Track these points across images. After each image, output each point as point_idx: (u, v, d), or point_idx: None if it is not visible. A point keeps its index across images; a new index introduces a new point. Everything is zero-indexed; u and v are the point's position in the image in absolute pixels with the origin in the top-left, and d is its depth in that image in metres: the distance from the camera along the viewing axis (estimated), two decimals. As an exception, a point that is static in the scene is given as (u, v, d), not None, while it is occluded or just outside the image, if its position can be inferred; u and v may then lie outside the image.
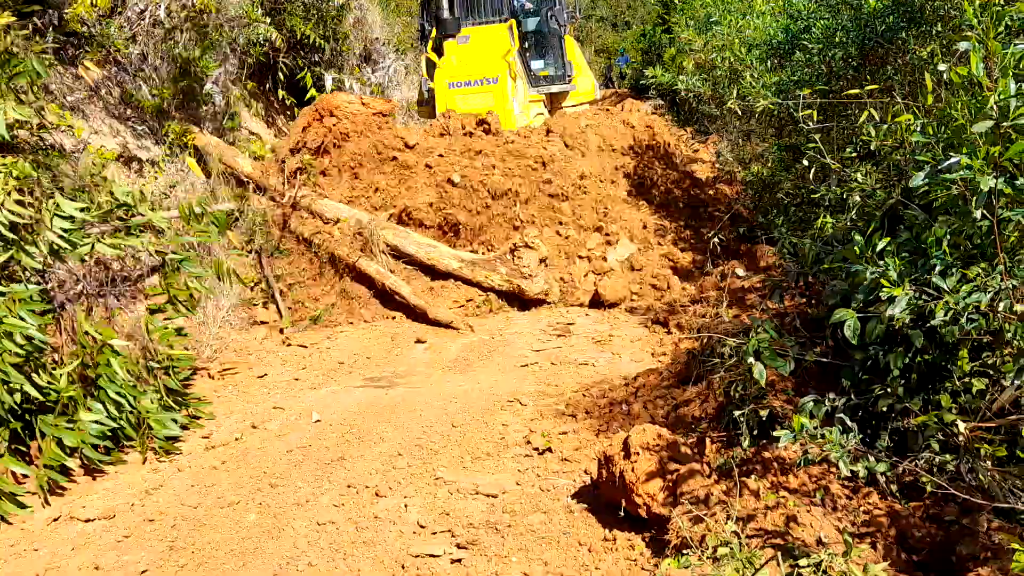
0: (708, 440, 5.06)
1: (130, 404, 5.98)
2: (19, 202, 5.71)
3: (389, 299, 9.66)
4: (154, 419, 6.07)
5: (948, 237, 3.44)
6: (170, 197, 9.32)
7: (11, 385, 5.32)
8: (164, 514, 5.30)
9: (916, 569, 3.74)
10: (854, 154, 5.71)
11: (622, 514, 4.57)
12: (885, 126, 4.82)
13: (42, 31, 9.28)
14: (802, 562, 3.50)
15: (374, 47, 16.68)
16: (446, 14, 12.89)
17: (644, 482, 4.48)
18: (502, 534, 4.79)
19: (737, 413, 4.84)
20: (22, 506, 5.35)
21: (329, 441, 6.26)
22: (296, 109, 13.84)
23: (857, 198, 5.52)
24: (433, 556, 4.60)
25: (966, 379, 4.01)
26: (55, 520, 5.30)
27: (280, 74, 13.19)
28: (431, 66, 13.28)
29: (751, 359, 4.42)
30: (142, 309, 7.04)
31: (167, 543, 4.95)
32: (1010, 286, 3.12)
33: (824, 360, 4.77)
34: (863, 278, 3.61)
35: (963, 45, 3.15)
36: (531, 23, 14.23)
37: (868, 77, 7.23)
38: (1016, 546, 2.83)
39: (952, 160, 3.03)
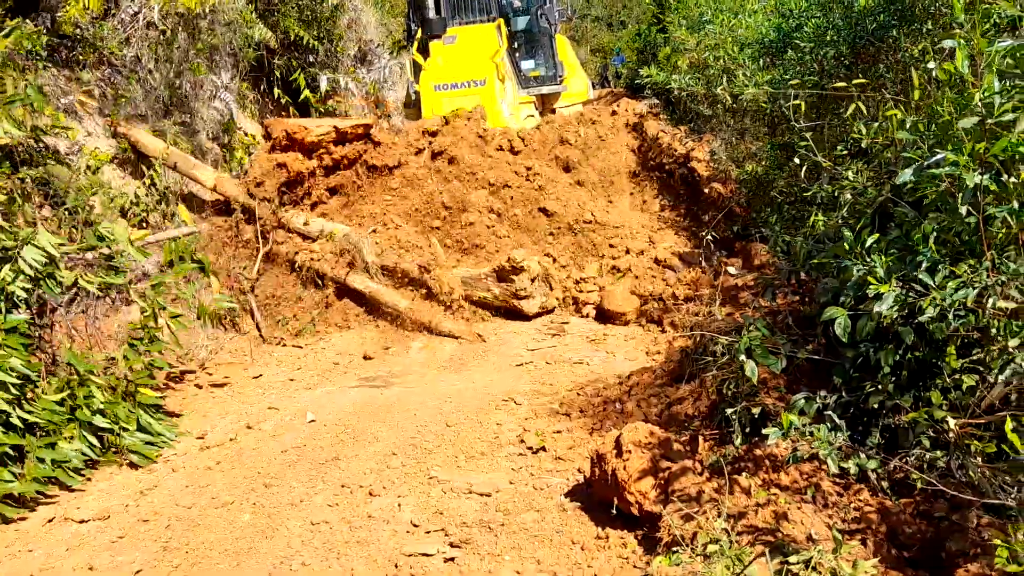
0: (701, 438, 5.07)
1: (107, 424, 6.00)
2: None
3: (379, 312, 9.57)
4: (128, 442, 6.08)
5: (935, 234, 3.45)
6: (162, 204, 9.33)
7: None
8: (158, 514, 5.30)
9: (906, 565, 3.75)
10: (845, 152, 5.71)
11: (615, 512, 4.59)
12: (876, 124, 4.83)
13: (35, 33, 9.26)
14: (792, 559, 3.51)
15: (369, 47, 16.63)
16: (432, 14, 12.68)
17: (636, 480, 4.50)
18: (495, 533, 4.80)
19: (729, 411, 4.85)
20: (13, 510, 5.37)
21: (324, 441, 6.27)
22: (292, 109, 13.85)
23: (848, 196, 5.53)
24: (426, 555, 4.61)
25: (956, 376, 4.03)
26: (50, 521, 5.30)
27: (275, 75, 13.15)
28: (417, 68, 13.10)
29: (743, 357, 4.44)
30: (133, 312, 7.02)
31: (161, 543, 4.95)
32: (996, 282, 3.13)
33: (816, 358, 4.79)
34: (851, 275, 3.62)
35: (948, 43, 3.17)
36: (521, 22, 13.91)
37: (860, 75, 7.24)
38: (999, 542, 2.84)
39: (938, 156, 3.04)
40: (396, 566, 4.52)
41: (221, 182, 10.25)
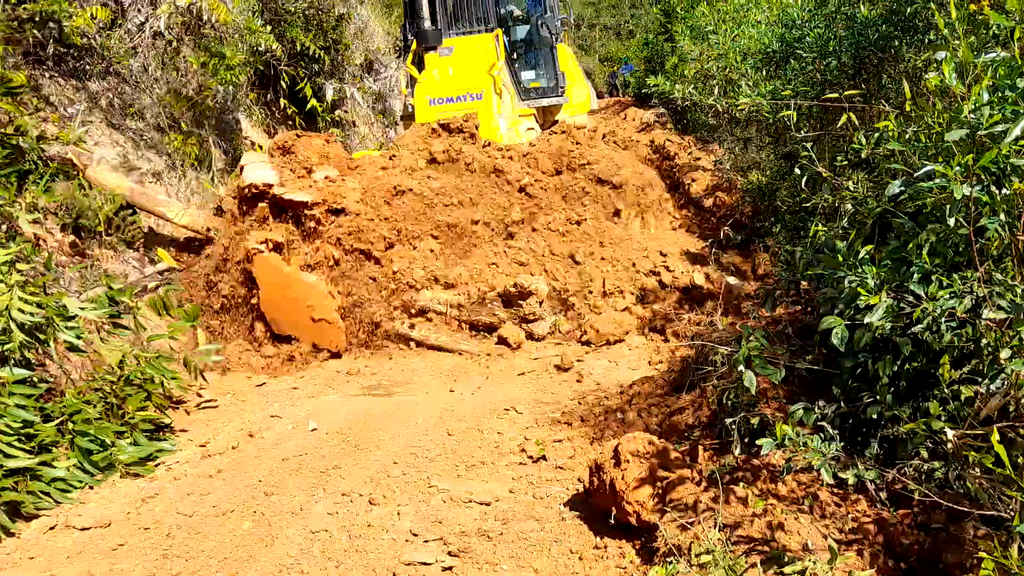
0: (701, 448, 5.08)
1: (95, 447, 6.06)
2: (26, 300, 5.81)
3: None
4: (123, 457, 6.13)
5: (929, 245, 3.46)
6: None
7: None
8: (159, 522, 5.31)
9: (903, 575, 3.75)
10: (845, 162, 5.72)
11: (613, 522, 4.59)
12: (876, 134, 4.84)
13: (43, 43, 9.34)
14: (787, 569, 3.51)
15: (375, 56, 16.75)
16: (427, 24, 12.22)
17: (634, 489, 4.50)
18: (494, 542, 4.81)
19: (729, 421, 4.85)
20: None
21: (325, 450, 6.28)
22: (298, 119, 13.92)
23: (849, 206, 5.54)
24: (424, 564, 4.62)
25: (955, 386, 4.02)
26: (51, 528, 5.31)
27: (281, 84, 13.22)
28: (413, 81, 12.64)
29: (742, 367, 4.43)
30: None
31: (161, 551, 4.97)
32: (987, 294, 3.13)
33: (816, 368, 4.78)
34: (844, 286, 3.63)
35: (939, 54, 3.18)
36: (520, 32, 13.30)
37: (863, 86, 7.26)
38: (984, 555, 2.84)
39: (927, 168, 3.05)
40: (394, 575, 4.53)
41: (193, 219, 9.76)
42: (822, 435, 3.88)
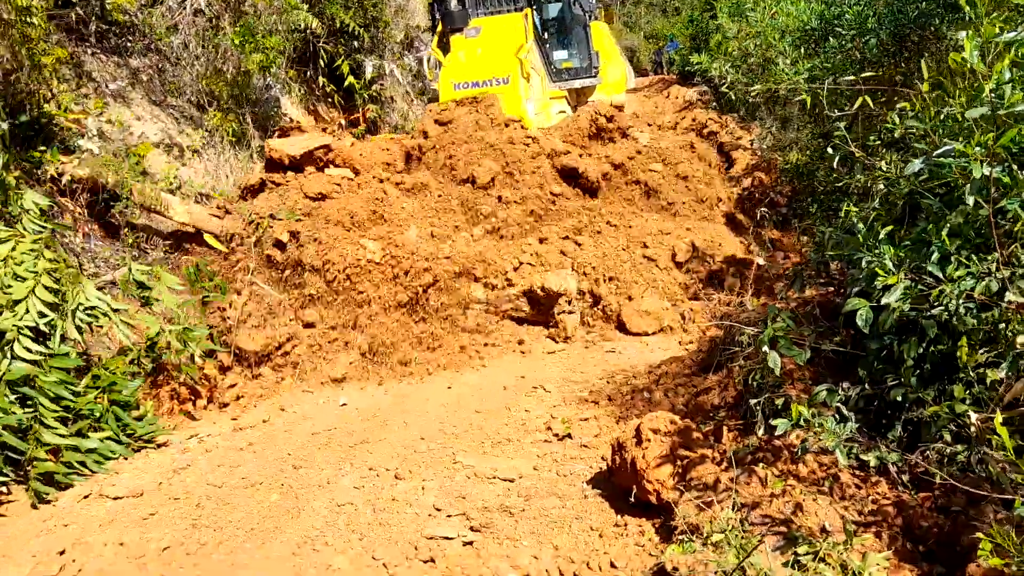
0: (725, 428, 5.06)
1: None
2: (49, 288, 5.94)
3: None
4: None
5: (949, 226, 3.41)
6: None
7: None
8: (190, 493, 5.42)
9: (921, 559, 3.72)
10: (878, 142, 5.65)
11: (633, 500, 4.60)
12: (911, 113, 4.77)
13: (85, 21, 9.46)
14: (800, 549, 3.50)
15: (416, 33, 16.72)
16: (454, 4, 11.56)
17: (655, 468, 4.51)
18: (516, 518, 4.84)
19: (753, 401, 4.83)
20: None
21: (354, 425, 6.36)
22: (336, 96, 13.97)
23: (881, 186, 5.47)
24: (446, 538, 4.67)
25: (980, 370, 3.98)
26: (85, 497, 5.44)
27: (320, 61, 13.26)
28: (438, 64, 11.96)
29: (766, 348, 4.41)
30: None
31: (190, 521, 5.07)
32: (1007, 275, 3.09)
33: (842, 350, 4.75)
34: (863, 267, 3.60)
35: (961, 33, 3.13)
36: (552, 10, 12.79)
37: (903, 64, 7.15)
38: (981, 536, 2.82)
39: (947, 148, 3.01)
40: (416, 548, 4.59)
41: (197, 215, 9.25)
42: (837, 416, 3.85)
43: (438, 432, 6.11)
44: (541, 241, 8.70)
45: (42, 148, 7.84)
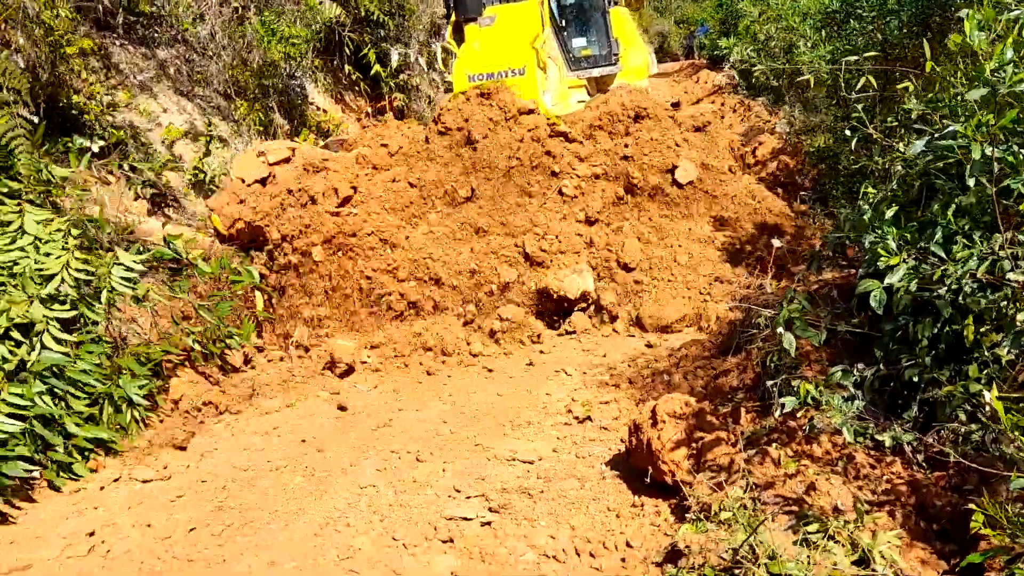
0: (743, 410, 5.09)
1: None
2: (83, 260, 6.07)
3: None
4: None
5: (960, 207, 3.41)
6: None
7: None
8: (216, 476, 5.53)
9: (934, 538, 3.74)
10: (895, 123, 5.63)
11: (649, 481, 4.65)
12: (929, 95, 4.76)
13: (113, 12, 9.60)
14: (811, 527, 3.54)
15: (441, 21, 16.75)
16: None
17: (670, 450, 4.55)
18: (534, 499, 4.91)
19: (770, 383, 4.86)
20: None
21: (377, 407, 6.44)
22: (363, 84, 14.06)
23: (900, 168, 5.46)
24: (465, 519, 4.75)
25: (994, 350, 3.98)
26: (116, 480, 5.55)
27: (346, 50, 13.33)
28: (450, 55, 11.42)
29: (781, 330, 4.44)
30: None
31: (216, 503, 5.18)
32: (1008, 256, 3.09)
33: (859, 331, 4.75)
34: (867, 248, 3.61)
35: (962, 12, 3.13)
36: None
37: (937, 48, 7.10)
38: (974, 507, 2.84)
39: (949, 129, 3.01)
40: (435, 529, 4.67)
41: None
42: (845, 394, 3.87)
43: (460, 415, 6.20)
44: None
45: (69, 139, 7.97)
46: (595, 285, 8.03)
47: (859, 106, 5.38)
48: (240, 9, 10.99)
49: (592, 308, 8.08)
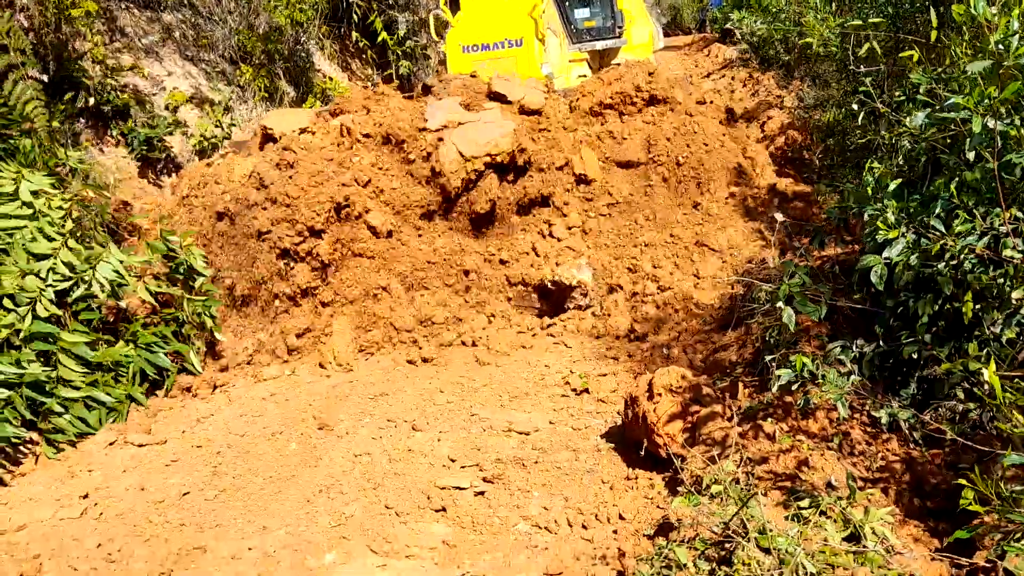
0: (741, 384, 5.06)
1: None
2: (74, 250, 6.04)
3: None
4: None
5: (964, 181, 3.35)
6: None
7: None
8: (212, 441, 5.52)
9: (927, 515, 3.72)
10: (903, 97, 5.54)
11: (643, 454, 4.63)
12: (939, 69, 4.68)
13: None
14: (803, 503, 3.51)
15: (447, -12, 16.62)
16: None
17: (665, 423, 4.53)
18: (528, 470, 4.90)
19: (768, 358, 4.82)
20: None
21: (375, 377, 6.42)
22: (369, 52, 13.95)
23: (906, 143, 5.39)
24: (459, 488, 4.74)
25: (995, 328, 3.93)
26: (111, 444, 5.54)
27: (353, 17, 13.23)
28: (444, 24, 10.87)
29: (781, 304, 4.39)
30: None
31: (211, 468, 5.18)
32: (1009, 231, 3.04)
33: (859, 307, 4.70)
34: (866, 221, 3.56)
35: (968, -19, 3.06)
36: None
37: (938, 18, 6.99)
38: (964, 482, 2.80)
39: (950, 100, 2.95)
40: (428, 498, 4.65)
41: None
42: (840, 369, 3.83)
43: (457, 385, 6.17)
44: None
45: (71, 101, 7.92)
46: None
47: (867, 79, 5.31)
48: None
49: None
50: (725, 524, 3.35)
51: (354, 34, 13.43)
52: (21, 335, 5.49)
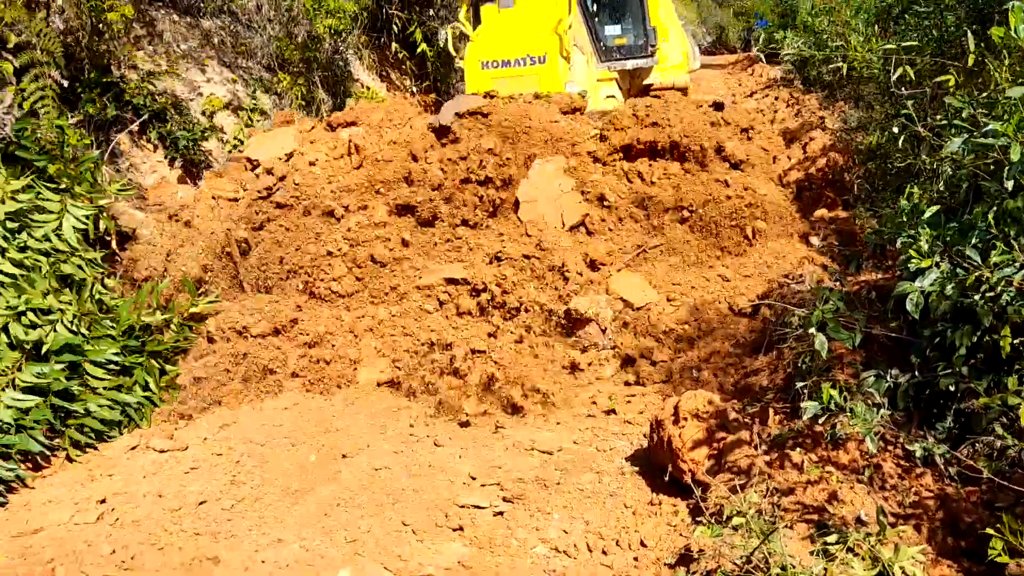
0: (771, 411, 4.93)
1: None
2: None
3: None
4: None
5: (1005, 210, 3.22)
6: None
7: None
8: (232, 449, 5.48)
9: (961, 555, 3.57)
10: (944, 121, 5.41)
11: (667, 479, 4.52)
12: (982, 94, 4.55)
13: (159, -18, 9.60)
14: (830, 539, 3.38)
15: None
16: None
17: (690, 449, 4.42)
18: (550, 491, 4.80)
19: (799, 385, 4.70)
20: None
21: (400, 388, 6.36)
22: (409, 63, 13.95)
23: (948, 168, 5.26)
24: (478, 507, 4.65)
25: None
26: (132, 448, 5.52)
27: (393, 27, 13.24)
28: (463, 38, 10.34)
29: (814, 331, 4.27)
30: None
31: (229, 476, 5.13)
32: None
33: (895, 335, 4.57)
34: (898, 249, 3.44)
35: (1009, 3, 2.94)
36: None
37: (982, 44, 6.86)
38: (992, 532, 2.67)
39: (989, 127, 2.84)
40: (446, 515, 4.57)
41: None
42: (870, 402, 3.71)
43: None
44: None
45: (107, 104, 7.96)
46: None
47: (909, 103, 5.19)
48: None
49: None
50: (747, 558, 3.23)
51: (393, 45, 13.43)
52: (45, 348, 5.50)
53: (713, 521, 3.78)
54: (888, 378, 4.21)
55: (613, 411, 5.78)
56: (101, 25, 7.75)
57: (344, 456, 5.34)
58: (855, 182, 10.46)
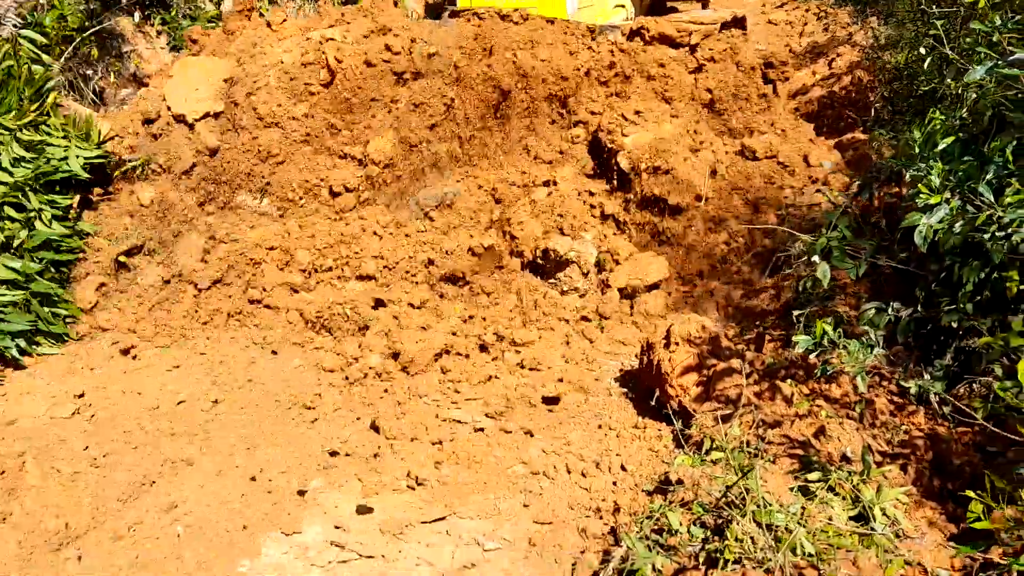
0: (768, 337, 4.80)
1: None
2: None
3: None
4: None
5: (1015, 143, 3.01)
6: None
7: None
8: (216, 351, 5.38)
9: (946, 497, 3.45)
10: (973, 44, 5.13)
11: (654, 403, 4.40)
12: (1017, 16, 4.28)
13: None
14: (811, 476, 3.27)
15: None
16: None
17: (679, 375, 4.28)
18: (535, 408, 4.69)
19: (796, 313, 4.55)
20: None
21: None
22: None
23: (972, 94, 4.99)
24: (459, 422, 4.56)
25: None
26: (114, 343, 5.42)
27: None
28: None
29: (816, 258, 4.09)
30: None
31: (211, 378, 5.04)
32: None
33: (902, 267, 4.38)
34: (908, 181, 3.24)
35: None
36: None
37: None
38: (971, 494, 2.54)
39: (1017, 56, 2.61)
40: (426, 428, 4.49)
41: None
42: (864, 339, 3.55)
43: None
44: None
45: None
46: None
47: (939, 22, 4.92)
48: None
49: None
50: (724, 492, 3.12)
51: None
52: (21, 244, 5.37)
53: (695, 451, 3.67)
54: (890, 311, 4.05)
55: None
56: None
57: (331, 372, 5.24)
58: (877, 104, 10.14)
